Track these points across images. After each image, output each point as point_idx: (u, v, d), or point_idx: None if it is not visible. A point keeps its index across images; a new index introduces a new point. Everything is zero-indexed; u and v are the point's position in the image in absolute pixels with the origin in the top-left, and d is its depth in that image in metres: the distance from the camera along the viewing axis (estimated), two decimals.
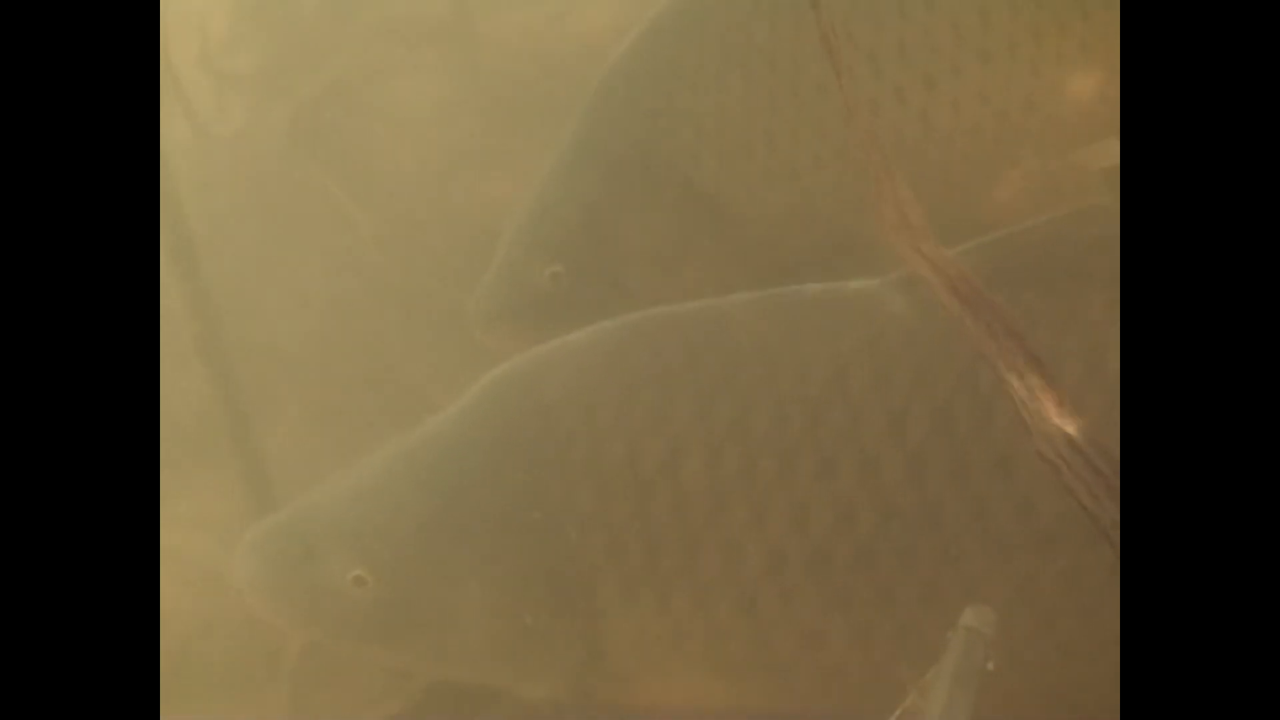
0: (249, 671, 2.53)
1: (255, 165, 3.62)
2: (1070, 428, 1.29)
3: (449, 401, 2.11)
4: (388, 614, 2.04)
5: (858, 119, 1.38)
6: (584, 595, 1.95)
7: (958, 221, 1.86)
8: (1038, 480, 1.69)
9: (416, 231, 3.37)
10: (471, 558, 2.00)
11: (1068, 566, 1.78)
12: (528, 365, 2.10)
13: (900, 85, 2.38)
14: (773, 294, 2.00)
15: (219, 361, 2.65)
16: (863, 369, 1.87)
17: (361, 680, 2.44)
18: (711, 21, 2.53)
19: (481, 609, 2.00)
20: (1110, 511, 1.32)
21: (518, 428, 2.02)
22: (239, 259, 3.28)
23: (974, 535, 1.82)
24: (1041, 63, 2.36)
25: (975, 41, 2.35)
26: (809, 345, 1.92)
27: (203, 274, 2.64)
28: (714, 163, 2.49)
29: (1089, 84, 2.33)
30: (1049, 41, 2.35)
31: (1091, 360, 1.81)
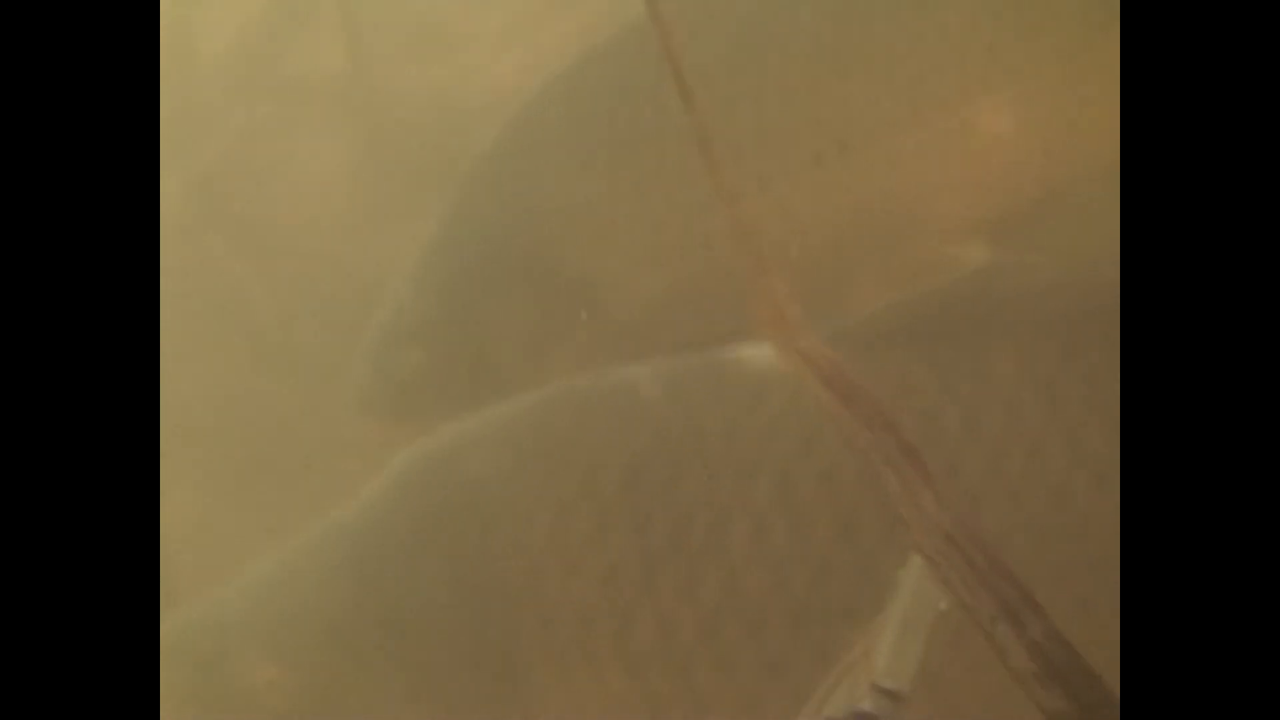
0: None
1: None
2: (945, 520, 1.29)
3: (356, 473, 2.08)
4: (306, 713, 1.99)
5: (729, 210, 1.37)
6: (515, 673, 1.93)
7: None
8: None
9: (317, 295, 3.34)
10: (394, 646, 1.97)
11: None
12: (442, 444, 2.07)
13: (764, 174, 2.38)
14: (685, 364, 2.01)
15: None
16: (789, 431, 1.87)
17: None
18: (577, 108, 2.53)
19: (406, 697, 1.97)
20: (987, 605, 1.32)
21: (438, 508, 2.00)
22: None
23: None
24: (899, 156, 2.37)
25: (837, 133, 2.36)
26: (734, 411, 1.92)
27: None
28: (581, 249, 2.48)
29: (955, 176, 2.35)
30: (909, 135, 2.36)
31: (1010, 411, 1.82)
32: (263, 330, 3.32)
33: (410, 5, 3.73)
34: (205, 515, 2.89)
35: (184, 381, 3.19)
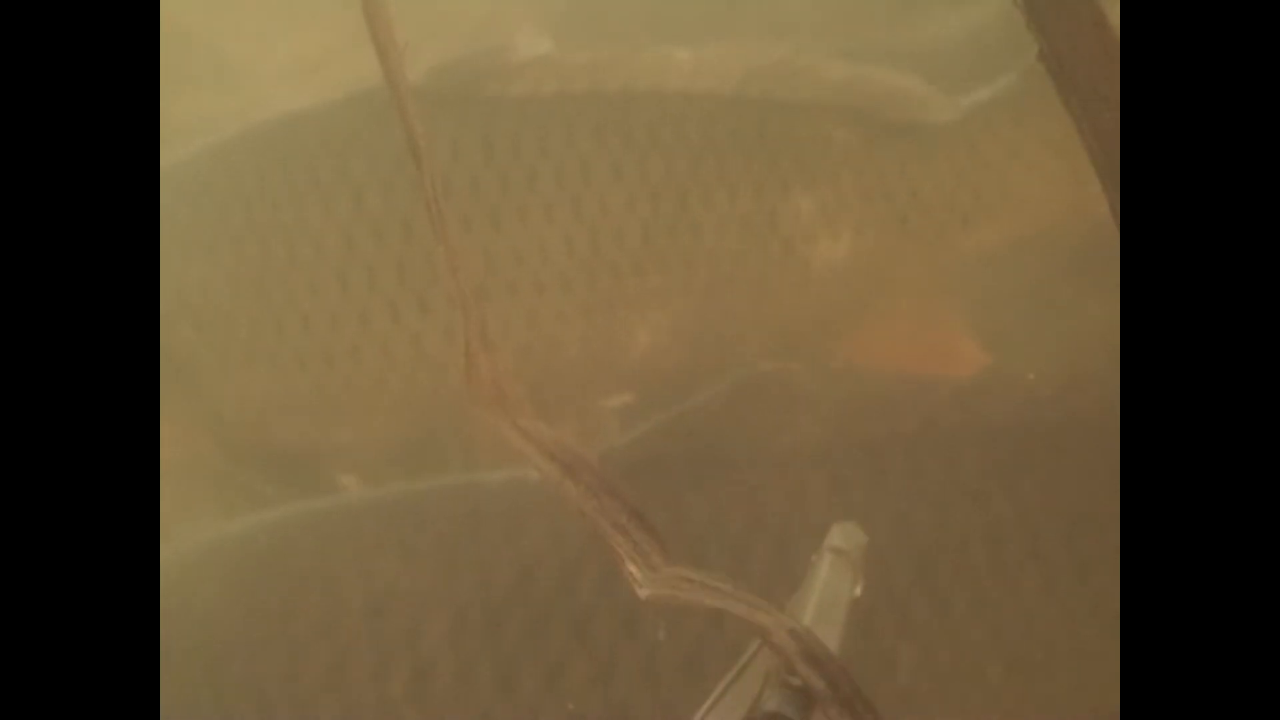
0: None
1: None
2: (675, 574, 1.32)
3: None
4: None
5: (453, 280, 1.33)
6: None
7: None
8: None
9: None
10: None
11: None
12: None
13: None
14: (456, 483, 1.90)
15: None
16: (549, 567, 1.77)
17: None
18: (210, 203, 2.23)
19: None
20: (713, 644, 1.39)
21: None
22: None
23: None
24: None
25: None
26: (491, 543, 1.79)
27: None
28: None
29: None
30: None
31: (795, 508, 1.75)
32: None
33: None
34: None
35: None
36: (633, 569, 1.30)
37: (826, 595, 1.31)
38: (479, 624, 1.73)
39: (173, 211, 2.15)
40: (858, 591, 1.34)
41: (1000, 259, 2.14)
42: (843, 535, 1.37)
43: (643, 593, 1.28)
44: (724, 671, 1.22)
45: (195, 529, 1.89)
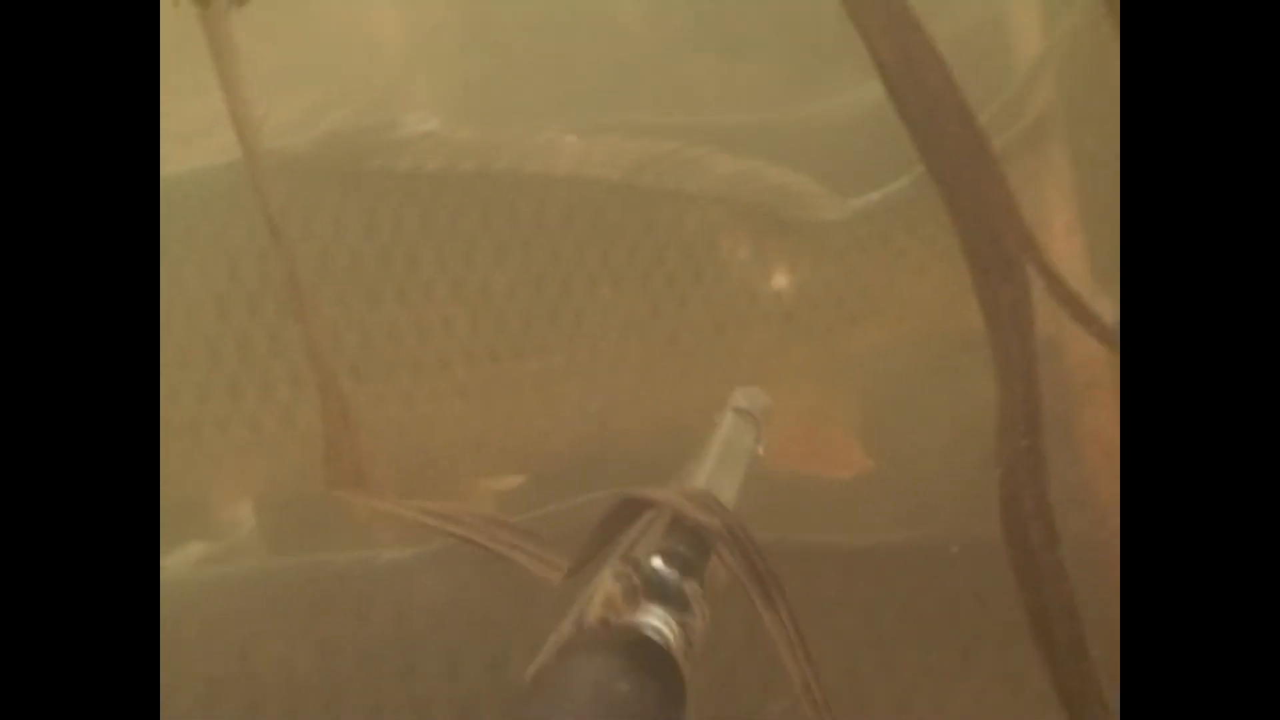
0: None
1: None
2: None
3: None
4: None
5: (315, 362, 1.30)
6: None
7: None
8: None
9: None
10: None
11: None
12: None
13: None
14: (304, 562, 1.88)
15: None
16: (392, 650, 1.73)
17: None
18: None
19: None
20: None
21: None
22: None
23: None
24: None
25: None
26: (334, 623, 1.77)
27: None
28: None
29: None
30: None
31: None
32: None
33: None
34: None
35: None
36: (542, 574, 1.32)
37: (728, 450, 1.33)
38: (318, 706, 1.70)
39: None
40: (761, 450, 1.36)
41: (885, 359, 2.14)
42: (746, 397, 1.39)
43: (559, 580, 1.30)
44: None
45: None
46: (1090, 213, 1.94)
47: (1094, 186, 1.97)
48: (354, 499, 1.30)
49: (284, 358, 2.06)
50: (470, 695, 1.69)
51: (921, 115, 1.18)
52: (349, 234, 2.10)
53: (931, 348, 2.11)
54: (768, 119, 2.51)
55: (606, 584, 1.13)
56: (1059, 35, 2.01)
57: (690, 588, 1.15)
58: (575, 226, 2.12)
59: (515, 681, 1.59)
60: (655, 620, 1.12)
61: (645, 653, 1.10)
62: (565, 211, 2.12)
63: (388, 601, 1.73)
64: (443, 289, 2.10)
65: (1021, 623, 1.27)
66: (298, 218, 2.04)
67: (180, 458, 2.12)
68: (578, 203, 2.12)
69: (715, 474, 1.27)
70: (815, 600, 1.62)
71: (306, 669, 1.69)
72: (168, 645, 1.55)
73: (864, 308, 2.12)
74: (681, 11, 2.66)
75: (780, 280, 2.12)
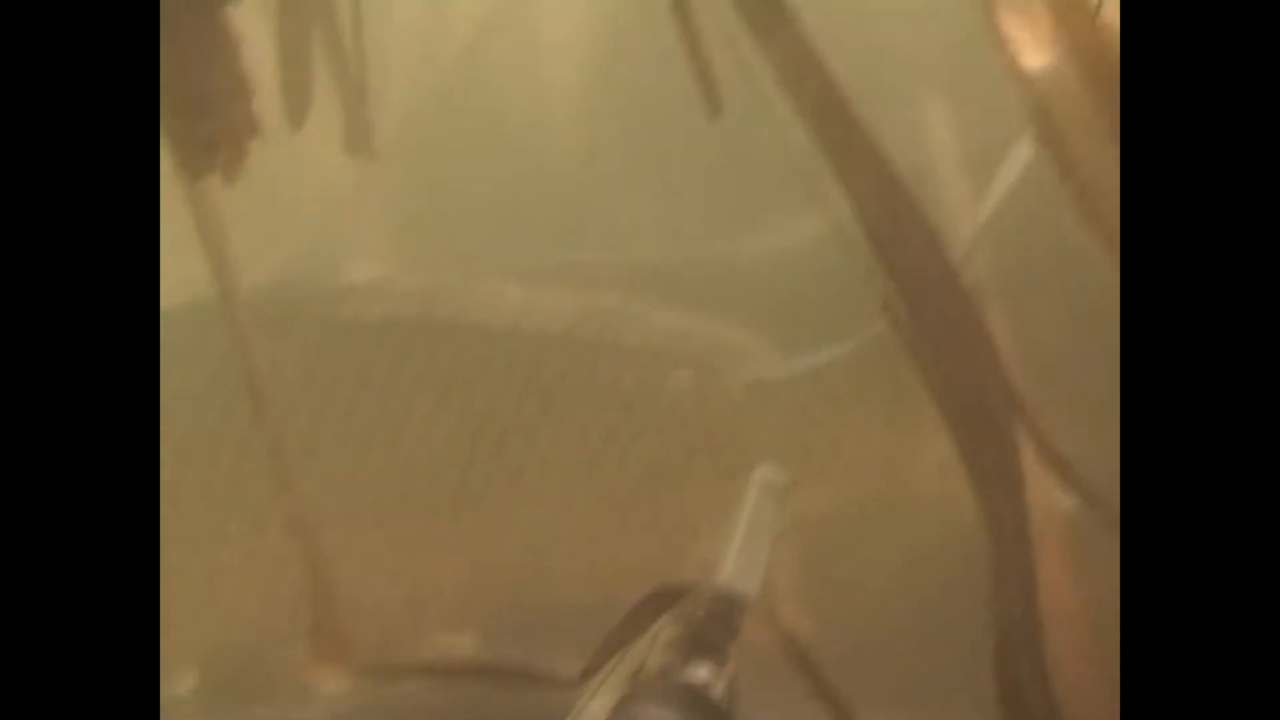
0: None
1: None
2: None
3: None
4: None
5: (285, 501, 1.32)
6: None
7: None
8: None
9: None
10: None
11: None
12: None
13: None
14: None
15: None
16: None
17: None
18: None
19: None
20: None
21: None
22: None
23: None
24: None
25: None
26: None
27: None
28: None
29: None
30: None
31: None
32: None
33: None
34: None
35: None
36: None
37: (751, 528, 1.33)
38: None
39: None
40: (782, 527, 1.35)
41: (826, 522, 2.13)
42: (768, 473, 1.39)
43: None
44: None
45: None
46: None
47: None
48: (336, 669, 1.29)
49: (245, 505, 2.02)
50: None
51: (906, 273, 1.19)
52: (286, 384, 2.06)
53: (874, 509, 2.12)
54: (706, 256, 2.53)
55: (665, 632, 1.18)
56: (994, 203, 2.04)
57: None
58: (515, 379, 2.10)
59: None
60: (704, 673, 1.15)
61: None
62: (505, 363, 2.11)
63: None
64: (379, 440, 2.07)
65: None
66: (236, 366, 2.00)
67: None
68: (518, 355, 2.11)
69: (739, 554, 1.29)
70: None
71: None
72: None
73: (807, 468, 2.12)
74: (618, 149, 2.68)
75: (722, 437, 2.12)
